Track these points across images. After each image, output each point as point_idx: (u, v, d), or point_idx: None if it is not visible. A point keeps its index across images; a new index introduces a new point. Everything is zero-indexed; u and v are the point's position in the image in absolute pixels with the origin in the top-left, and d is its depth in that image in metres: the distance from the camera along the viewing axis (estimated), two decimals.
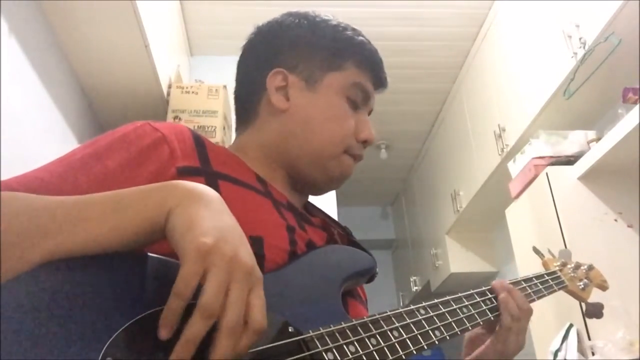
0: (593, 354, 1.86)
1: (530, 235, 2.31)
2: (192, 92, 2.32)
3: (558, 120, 2.45)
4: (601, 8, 2.00)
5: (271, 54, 0.79)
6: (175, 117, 2.26)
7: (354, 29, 0.81)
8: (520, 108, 2.62)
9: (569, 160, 2.25)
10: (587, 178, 2.15)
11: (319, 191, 0.81)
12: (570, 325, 1.95)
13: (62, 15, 1.82)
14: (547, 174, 2.21)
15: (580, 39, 2.11)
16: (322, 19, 0.80)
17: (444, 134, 3.75)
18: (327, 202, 2.27)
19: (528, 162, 2.34)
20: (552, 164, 2.26)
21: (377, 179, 4.57)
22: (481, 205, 3.27)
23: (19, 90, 1.65)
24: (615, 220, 2.10)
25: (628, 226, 2.09)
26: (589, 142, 2.23)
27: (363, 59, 0.79)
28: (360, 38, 0.80)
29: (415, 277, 4.34)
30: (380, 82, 0.82)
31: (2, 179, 0.57)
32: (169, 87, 2.35)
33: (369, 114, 0.83)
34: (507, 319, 0.77)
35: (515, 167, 2.50)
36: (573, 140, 2.30)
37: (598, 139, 2.15)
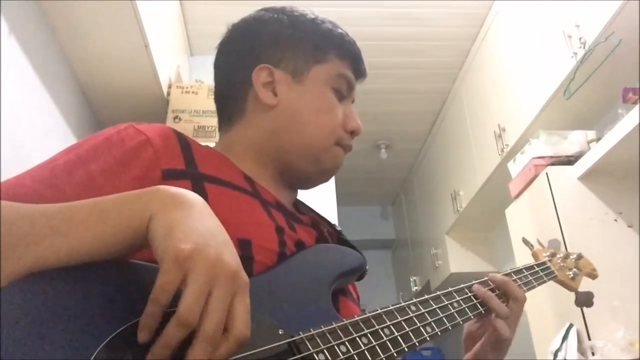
0: (593, 354, 1.86)
1: (531, 235, 2.28)
2: (192, 92, 2.32)
3: (558, 120, 2.45)
4: (601, 8, 2.00)
5: (253, 50, 0.78)
6: (175, 117, 2.26)
7: (331, 22, 0.82)
8: (520, 108, 2.62)
9: (569, 160, 2.25)
10: (587, 178, 2.15)
11: (311, 185, 0.81)
12: (570, 325, 1.95)
13: (62, 15, 1.82)
14: (547, 174, 2.21)
15: (580, 39, 2.11)
16: (300, 13, 0.81)
17: (444, 134, 3.75)
18: (327, 202, 2.27)
19: (528, 162, 2.34)
20: (552, 164, 2.26)
21: (377, 179, 4.57)
22: (481, 205, 3.27)
23: (19, 90, 1.65)
24: (615, 220, 2.10)
25: (628, 226, 2.09)
26: (589, 142, 2.23)
27: (344, 51, 0.80)
28: (339, 30, 0.81)
29: (415, 277, 4.34)
30: (360, 72, 0.82)
31: (2, 178, 0.57)
32: (169, 87, 2.35)
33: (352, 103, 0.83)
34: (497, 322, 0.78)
35: (515, 167, 2.50)
36: (573, 140, 2.30)
37: (598, 139, 2.15)
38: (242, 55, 0.79)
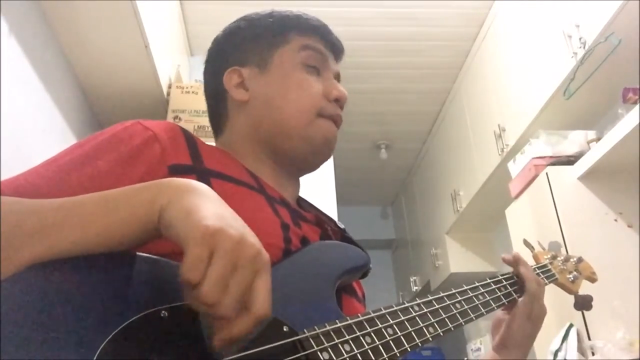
0: (593, 354, 1.86)
1: (531, 235, 2.29)
2: (192, 92, 2.32)
3: (558, 120, 2.45)
4: (601, 8, 2.00)
5: (222, 60, 0.83)
6: (175, 117, 2.26)
7: (292, 12, 0.84)
8: (520, 108, 2.62)
9: (569, 160, 2.25)
10: (587, 178, 2.15)
11: (310, 166, 0.81)
12: (570, 325, 1.95)
13: (62, 15, 1.82)
14: (547, 174, 2.21)
15: (580, 39, 2.11)
16: (258, 13, 0.84)
17: (444, 134, 3.75)
18: (327, 202, 2.27)
19: (528, 162, 2.34)
20: (552, 164, 2.26)
21: (377, 179, 4.57)
22: (481, 205, 3.27)
23: (19, 90, 1.65)
24: (615, 220, 2.09)
25: (628, 226, 2.08)
26: (589, 142, 2.23)
27: (304, 27, 0.81)
28: (297, 13, 0.83)
29: (415, 277, 4.34)
30: (331, 42, 0.83)
31: (2, 178, 0.57)
32: (169, 87, 2.35)
33: (337, 78, 0.84)
34: (533, 286, 0.83)
35: (515, 167, 2.50)
36: (573, 140, 2.30)
37: (598, 139, 2.15)
38: (215, 68, 0.83)
